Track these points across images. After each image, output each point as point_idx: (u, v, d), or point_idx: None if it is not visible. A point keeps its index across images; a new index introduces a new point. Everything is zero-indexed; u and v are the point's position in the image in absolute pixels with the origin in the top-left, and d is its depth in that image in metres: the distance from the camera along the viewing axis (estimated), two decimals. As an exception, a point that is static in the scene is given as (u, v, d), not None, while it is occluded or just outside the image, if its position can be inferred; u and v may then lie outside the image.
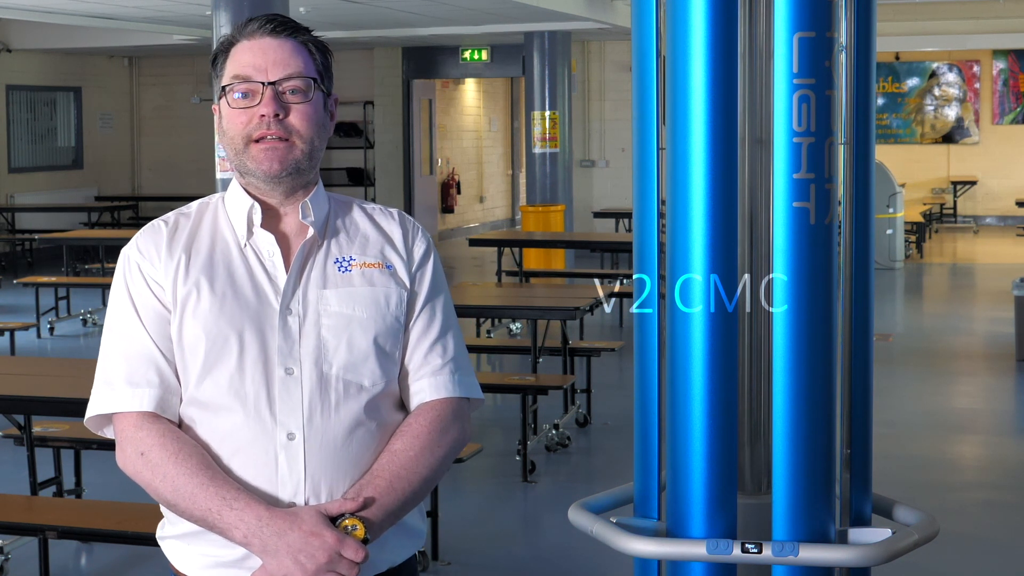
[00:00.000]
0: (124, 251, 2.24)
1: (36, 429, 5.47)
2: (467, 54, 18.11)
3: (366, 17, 14.04)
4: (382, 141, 19.14)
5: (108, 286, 12.86)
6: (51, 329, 11.15)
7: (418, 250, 2.29)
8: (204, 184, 18.08)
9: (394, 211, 2.34)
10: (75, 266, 13.19)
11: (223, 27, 8.98)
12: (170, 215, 2.27)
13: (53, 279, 11.45)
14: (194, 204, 2.29)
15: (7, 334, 9.27)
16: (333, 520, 2.08)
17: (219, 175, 9.11)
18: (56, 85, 18.53)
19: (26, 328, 9.32)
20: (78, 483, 5.93)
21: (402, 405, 2.25)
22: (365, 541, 2.07)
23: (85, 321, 11.47)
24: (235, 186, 2.26)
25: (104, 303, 12.20)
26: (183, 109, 19.88)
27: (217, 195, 2.30)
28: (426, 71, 19.00)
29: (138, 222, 18.72)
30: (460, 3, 13.00)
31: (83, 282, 11.99)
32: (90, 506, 5.20)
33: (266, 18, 2.22)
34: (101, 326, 11.19)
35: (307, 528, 2.05)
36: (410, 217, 2.34)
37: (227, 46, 2.24)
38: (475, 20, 14.57)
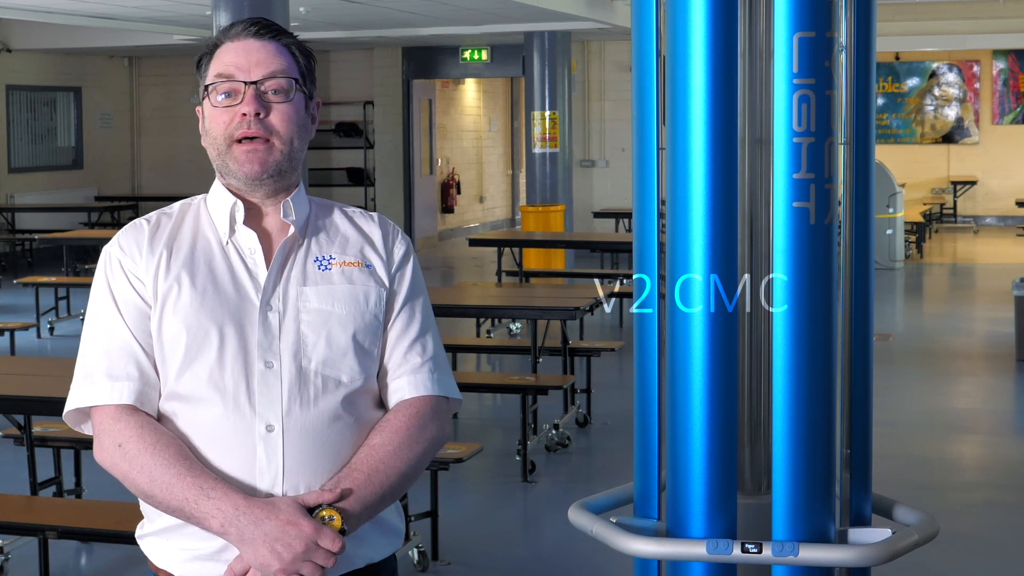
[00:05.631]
0: (106, 249, 2.28)
1: (36, 429, 5.47)
2: (467, 54, 18.11)
3: (366, 17, 14.04)
4: (382, 141, 19.13)
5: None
6: (51, 329, 11.15)
7: (398, 252, 2.32)
8: (204, 184, 17.86)
9: (375, 215, 2.38)
10: (75, 266, 13.18)
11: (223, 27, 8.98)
12: (152, 214, 2.31)
13: (53, 279, 11.45)
14: (176, 204, 2.33)
15: (7, 334, 9.27)
16: (310, 511, 2.09)
17: (219, 175, 9.11)
18: (56, 85, 18.53)
19: (26, 328, 9.32)
20: (78, 483, 5.93)
21: (381, 403, 2.28)
22: (342, 532, 2.08)
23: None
24: (217, 186, 2.30)
25: (104, 303, 12.18)
26: (183, 109, 19.87)
27: (200, 196, 2.34)
28: (426, 71, 19.00)
29: (138, 222, 18.70)
30: (460, 3, 13.00)
31: (83, 282, 11.94)
32: (90, 506, 5.20)
33: (250, 21, 2.28)
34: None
35: (284, 517, 2.06)
36: (390, 220, 2.38)
37: (212, 48, 2.29)
38: (475, 20, 14.57)
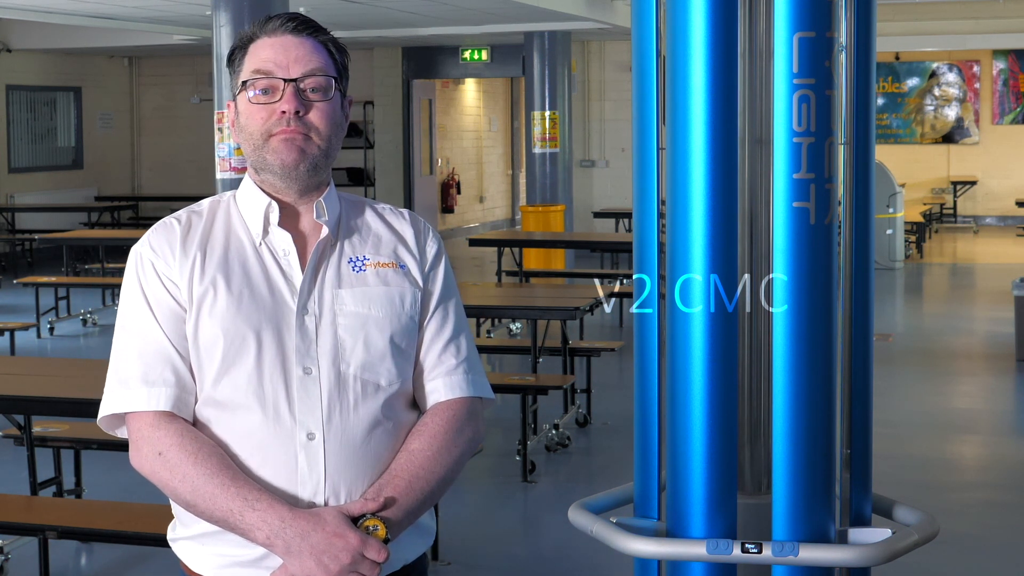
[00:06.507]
0: (136, 249, 2.22)
1: (36, 429, 5.47)
2: (467, 54, 18.11)
3: (366, 17, 14.04)
4: (382, 141, 19.14)
5: (108, 286, 12.84)
6: (51, 329, 11.15)
7: (430, 250, 2.30)
8: (204, 184, 18.08)
9: (405, 212, 2.34)
10: (75, 266, 13.18)
11: (223, 27, 8.99)
12: (182, 213, 2.25)
13: (53, 279, 11.43)
14: (205, 202, 2.28)
15: (7, 334, 9.27)
16: (354, 520, 2.08)
17: (219, 175, 9.11)
18: (56, 85, 18.53)
19: (26, 328, 9.31)
20: (78, 483, 5.92)
21: (414, 404, 2.26)
22: (386, 541, 2.08)
23: (85, 321, 11.46)
24: (248, 184, 2.25)
25: (104, 303, 12.20)
26: (183, 109, 19.88)
27: (229, 193, 2.29)
28: (426, 71, 19.00)
29: (138, 222, 18.73)
30: (460, 3, 13.00)
31: (83, 282, 11.97)
32: (90, 506, 5.20)
33: (288, 16, 2.23)
34: (101, 326, 11.29)
35: (330, 529, 2.05)
36: (421, 218, 2.35)
37: (246, 42, 2.24)
38: (475, 20, 14.57)
